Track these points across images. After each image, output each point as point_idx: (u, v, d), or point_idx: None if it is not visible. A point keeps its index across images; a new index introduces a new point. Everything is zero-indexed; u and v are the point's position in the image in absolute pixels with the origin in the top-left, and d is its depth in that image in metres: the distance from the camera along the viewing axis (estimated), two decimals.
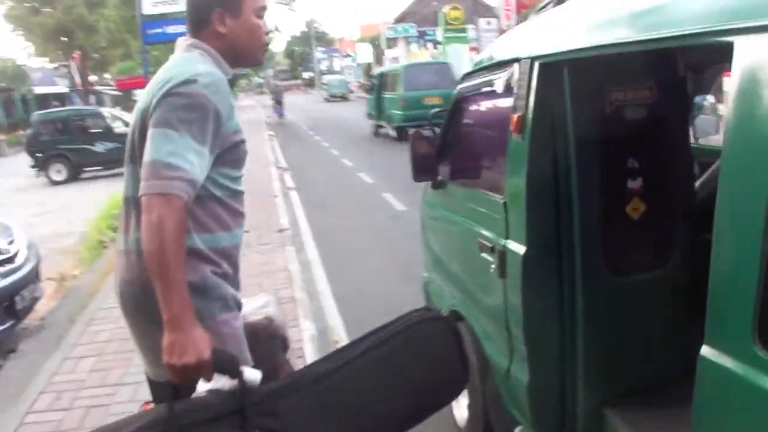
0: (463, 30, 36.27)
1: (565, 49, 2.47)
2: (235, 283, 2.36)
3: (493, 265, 3.02)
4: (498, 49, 3.25)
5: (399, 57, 47.85)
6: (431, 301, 4.38)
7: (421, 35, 51.67)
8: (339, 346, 5.28)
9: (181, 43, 2.34)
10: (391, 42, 55.84)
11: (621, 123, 2.71)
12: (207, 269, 2.21)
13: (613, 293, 2.81)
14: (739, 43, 1.59)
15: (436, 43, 45.53)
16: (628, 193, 2.79)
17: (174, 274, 1.92)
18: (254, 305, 2.75)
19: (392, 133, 21.49)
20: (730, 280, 1.68)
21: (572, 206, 2.70)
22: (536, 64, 2.62)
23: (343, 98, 53.88)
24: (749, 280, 1.60)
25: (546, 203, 2.73)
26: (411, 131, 3.70)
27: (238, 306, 2.36)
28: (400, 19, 60.81)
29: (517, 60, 2.79)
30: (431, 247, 4.24)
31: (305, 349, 4.95)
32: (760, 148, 1.57)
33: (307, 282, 7.03)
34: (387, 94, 22.26)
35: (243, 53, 2.38)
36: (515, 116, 2.71)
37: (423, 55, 46.51)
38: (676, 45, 1.96)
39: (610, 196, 2.73)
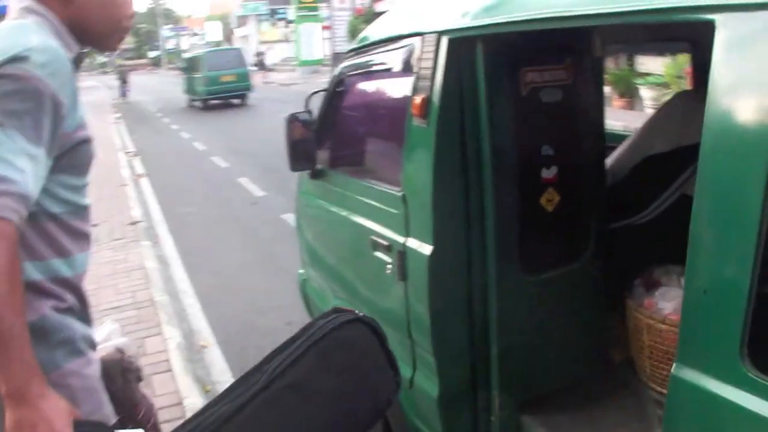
0: (316, 8, 35.95)
1: (479, 24, 2.17)
2: (85, 318, 1.85)
3: (389, 266, 2.71)
4: (392, 23, 2.91)
5: (249, 35, 46.83)
6: (311, 301, 4.04)
7: (273, 13, 50.53)
8: (206, 350, 4.93)
9: (14, 5, 1.75)
10: (242, 20, 54.52)
11: (536, 107, 2.46)
12: (46, 306, 1.69)
13: (527, 292, 2.59)
14: (722, 21, 1.40)
15: (288, 21, 44.83)
16: (543, 184, 2.56)
17: (10, 330, 1.42)
18: (99, 337, 2.25)
19: (199, 104, 27.06)
20: (712, 292, 1.47)
21: (484, 200, 2.43)
22: (444, 40, 2.30)
23: None
24: (737, 291, 1.41)
25: (454, 197, 2.44)
26: (287, 116, 3.29)
27: (92, 346, 1.85)
28: None
29: (419, 34, 2.46)
30: (309, 242, 3.87)
31: (172, 361, 4.45)
32: (745, 140, 1.39)
33: (166, 281, 6.45)
34: (195, 75, 27.13)
35: (93, 32, 1.83)
36: (418, 99, 2.39)
37: (274, 33, 45.74)
38: (640, 21, 1.74)
39: (525, 188, 2.49)
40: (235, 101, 26.74)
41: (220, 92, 26.09)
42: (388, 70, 2.76)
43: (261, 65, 39.45)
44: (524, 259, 2.56)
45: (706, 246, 1.48)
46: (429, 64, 2.35)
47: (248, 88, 26.73)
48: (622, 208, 3.13)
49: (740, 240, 1.39)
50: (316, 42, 35.45)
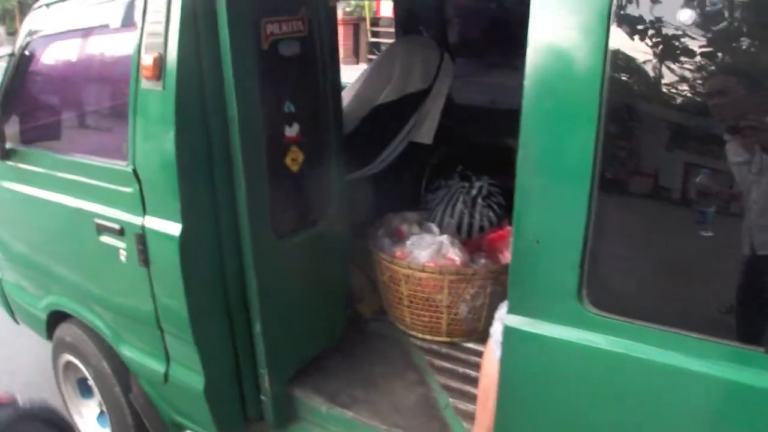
0: None
1: None
2: None
3: (123, 251, 2.37)
4: None
5: None
6: (12, 302, 3.46)
7: None
8: None
9: None
10: None
11: (277, 61, 2.28)
12: None
13: (283, 259, 2.45)
14: None
15: None
16: (286, 143, 2.40)
17: None
18: None
19: None
20: (545, 241, 1.46)
21: (234, 166, 2.21)
22: None
23: None
24: (572, 237, 1.42)
25: (200, 166, 2.18)
26: None
27: None
28: None
29: None
30: (3, 233, 3.28)
31: None
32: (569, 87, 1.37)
33: None
34: None
35: None
36: (149, 58, 2.06)
37: None
38: None
39: (271, 148, 2.31)
40: None
41: None
42: (100, 25, 2.36)
43: None
44: (276, 224, 2.41)
45: (536, 196, 1.46)
46: (160, 17, 2.03)
47: None
48: (356, 160, 3.11)
49: (572, 187, 1.39)
50: None
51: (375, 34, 14.77)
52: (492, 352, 2.01)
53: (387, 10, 12.72)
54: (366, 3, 13.93)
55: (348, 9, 14.73)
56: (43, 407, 1.85)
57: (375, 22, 14.85)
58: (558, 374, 1.58)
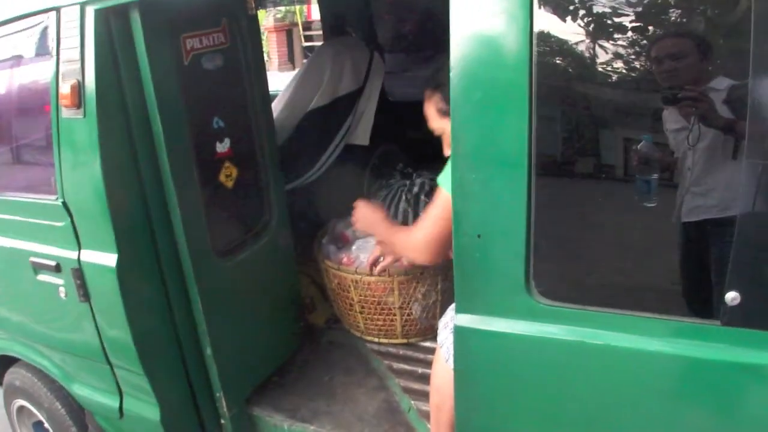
0: None
1: None
2: None
3: (62, 288, 2.30)
4: (4, 2, 2.39)
5: None
6: None
7: None
8: None
9: None
10: None
11: (200, 76, 2.23)
12: None
13: (227, 279, 2.40)
14: None
15: None
16: (219, 159, 2.36)
17: None
18: None
19: None
20: (487, 234, 1.44)
21: (165, 189, 2.16)
22: (89, 11, 1.91)
23: None
24: (514, 228, 1.40)
25: (131, 192, 2.12)
26: None
27: None
28: None
29: (53, 9, 2.03)
30: None
31: None
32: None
33: None
34: None
35: None
36: (66, 86, 2.00)
37: None
38: None
39: (203, 167, 2.26)
40: None
41: None
42: (15, 57, 2.29)
43: None
44: (216, 244, 2.36)
45: (473, 190, 1.44)
46: (74, 43, 1.96)
47: None
48: (294, 169, 3.08)
49: (510, 177, 1.37)
50: None
51: (309, 38, 14.67)
52: (441, 363, 1.98)
53: (318, 13, 12.63)
54: (297, 8, 13.82)
55: (279, 15, 14.60)
56: None
57: (307, 26, 14.75)
58: (515, 369, 1.56)
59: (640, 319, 1.38)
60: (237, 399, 2.49)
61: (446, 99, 1.77)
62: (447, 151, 1.91)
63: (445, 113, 1.88)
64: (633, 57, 1.32)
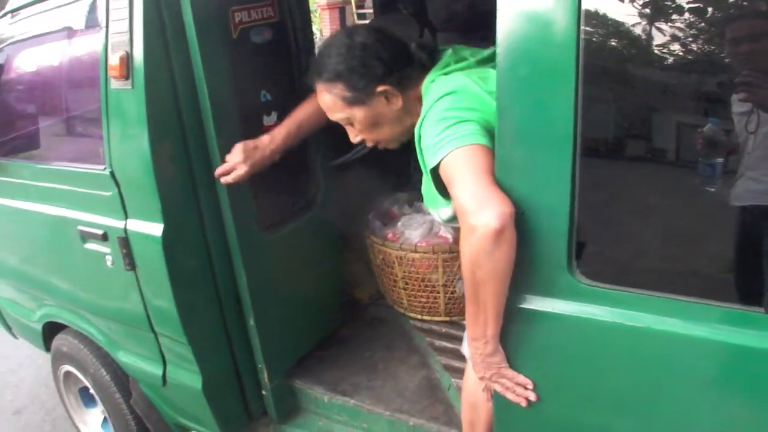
0: None
1: None
2: None
3: (109, 257, 2.37)
4: None
5: None
6: (7, 316, 3.47)
7: None
8: None
9: None
10: None
11: (249, 50, 2.25)
12: None
13: (272, 252, 2.44)
14: None
15: None
16: (265, 132, 2.39)
17: None
18: None
19: None
20: (531, 211, 1.44)
21: (212, 160, 2.20)
22: None
23: None
24: (558, 207, 1.40)
25: (178, 163, 2.17)
26: None
27: None
28: None
29: None
30: None
31: None
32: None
33: None
34: None
35: None
36: (115, 58, 2.05)
37: None
38: None
39: (250, 139, 2.30)
40: None
41: None
42: (65, 29, 2.34)
43: None
44: (262, 217, 2.40)
45: (518, 166, 1.44)
46: (123, 14, 2.00)
47: None
48: (342, 145, 3.09)
49: (555, 154, 1.37)
50: None
51: (361, 16, 14.55)
52: (473, 378, 1.84)
53: None
54: None
55: None
56: None
57: (360, 4, 14.69)
58: (555, 348, 1.56)
59: (682, 303, 1.37)
60: (278, 371, 2.55)
61: (351, 86, 1.79)
62: (354, 138, 1.94)
63: (351, 101, 1.82)
64: (692, 38, 1.29)
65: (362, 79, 1.79)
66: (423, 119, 1.69)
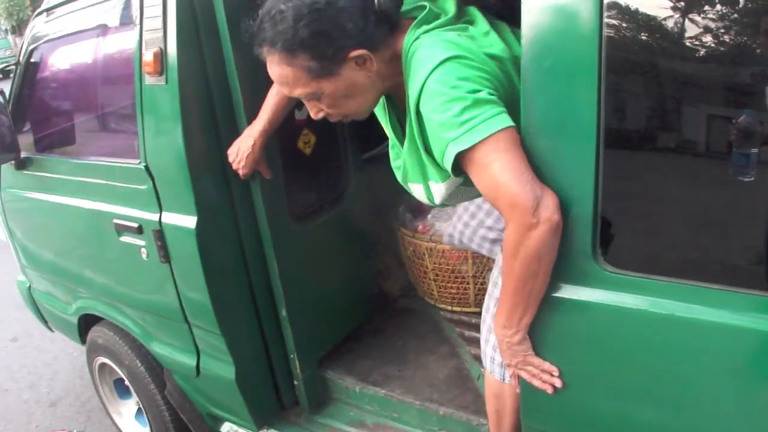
0: None
1: None
2: None
3: (144, 249, 2.43)
4: None
5: None
6: (43, 309, 3.56)
7: None
8: None
9: None
10: None
11: None
12: None
13: (304, 244, 2.49)
14: None
15: None
16: (297, 126, 2.44)
17: None
18: None
19: None
20: (561, 204, 1.45)
21: None
22: None
23: None
24: (583, 196, 1.42)
25: (211, 157, 2.23)
26: None
27: None
28: None
29: None
30: (26, 243, 3.37)
31: None
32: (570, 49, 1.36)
33: None
34: None
35: None
36: (149, 54, 2.11)
37: None
38: None
39: (281, 133, 2.34)
40: None
41: None
42: (100, 26, 2.41)
43: None
44: (294, 210, 2.45)
45: (542, 156, 1.45)
46: (157, 11, 2.07)
47: None
48: (372, 138, 3.13)
49: (579, 147, 1.39)
50: None
51: None
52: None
53: None
54: None
55: None
56: None
57: None
58: (581, 336, 1.58)
59: (709, 290, 1.38)
60: (310, 361, 2.60)
61: (318, 55, 1.51)
62: (317, 114, 1.66)
63: (319, 73, 1.54)
64: (723, 30, 1.30)
65: (331, 45, 1.51)
66: (423, 84, 1.46)
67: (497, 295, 1.67)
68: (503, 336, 1.60)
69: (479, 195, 1.65)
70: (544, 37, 1.39)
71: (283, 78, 1.58)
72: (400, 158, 1.73)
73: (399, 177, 1.79)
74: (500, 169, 1.38)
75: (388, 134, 1.79)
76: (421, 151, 1.58)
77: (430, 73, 1.45)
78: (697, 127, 1.40)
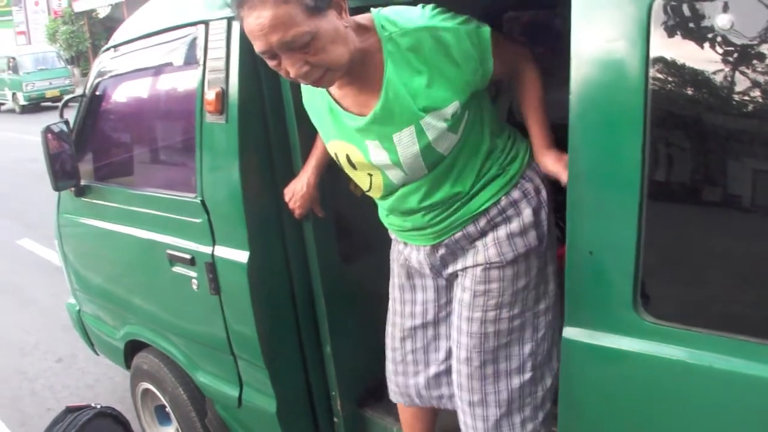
0: (9, 12, 33.03)
1: None
2: None
3: (195, 281, 2.53)
4: (160, 14, 2.65)
5: None
6: (91, 333, 3.67)
7: None
8: None
9: None
10: None
11: None
12: None
13: (350, 284, 2.55)
14: None
15: None
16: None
17: None
18: None
19: None
20: (598, 251, 1.53)
21: None
22: (236, 26, 2.13)
23: None
24: (625, 247, 1.48)
25: (267, 195, 2.33)
26: (42, 128, 2.93)
27: None
28: None
29: (202, 23, 2.27)
30: (79, 268, 3.50)
31: None
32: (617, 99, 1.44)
33: None
34: None
35: None
36: (211, 93, 2.22)
37: None
38: None
39: (333, 175, 2.43)
40: None
41: None
42: (164, 64, 2.54)
43: None
44: (343, 249, 2.53)
45: (587, 207, 1.53)
46: (220, 54, 2.19)
47: None
48: None
49: (623, 198, 1.45)
50: (9, 48, 32.56)
51: None
52: None
53: None
54: None
55: None
56: (110, 408, 2.99)
57: None
58: (619, 385, 1.63)
59: (748, 344, 1.42)
60: (351, 399, 2.66)
61: None
62: (301, 68, 1.61)
63: (313, 10, 1.52)
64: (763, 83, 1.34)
65: None
66: (423, 9, 1.71)
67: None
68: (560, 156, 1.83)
69: (455, 145, 1.81)
70: (591, 91, 1.47)
71: (278, 20, 1.50)
72: (369, 138, 1.80)
73: (374, 156, 1.83)
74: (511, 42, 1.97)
75: (340, 143, 1.89)
76: (424, 74, 1.69)
77: (424, 6, 1.72)
78: (742, 180, 1.44)
